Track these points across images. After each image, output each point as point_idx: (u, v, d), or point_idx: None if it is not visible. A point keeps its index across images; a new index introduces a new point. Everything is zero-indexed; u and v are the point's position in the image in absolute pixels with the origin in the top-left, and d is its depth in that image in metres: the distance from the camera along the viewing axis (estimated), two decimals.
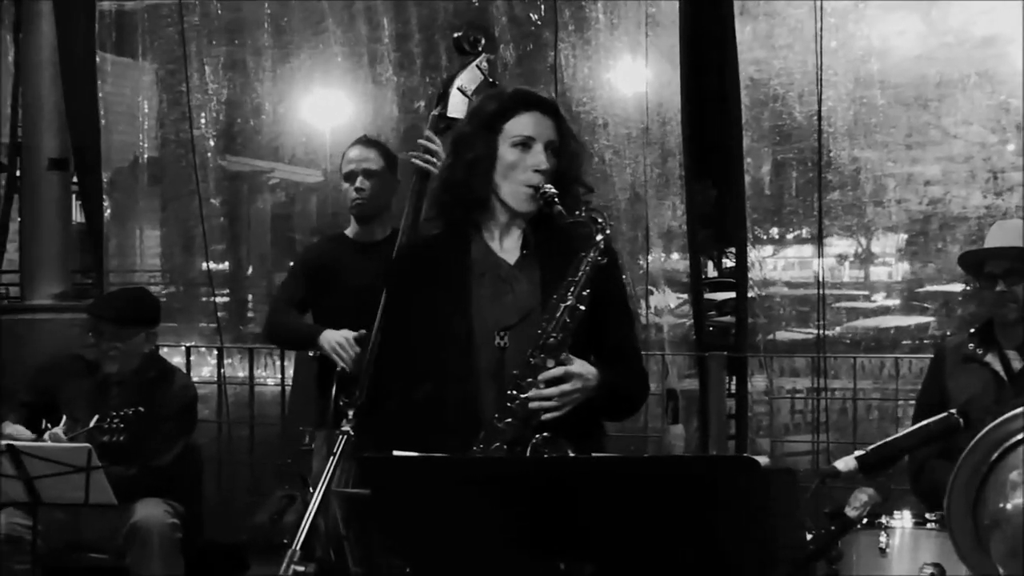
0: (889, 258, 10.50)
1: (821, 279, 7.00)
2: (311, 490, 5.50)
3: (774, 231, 9.01)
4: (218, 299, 9.21)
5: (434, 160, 5.12)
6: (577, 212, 3.57)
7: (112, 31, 8.41)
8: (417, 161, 5.12)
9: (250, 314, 11.15)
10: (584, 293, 3.50)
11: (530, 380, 3.47)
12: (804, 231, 9.11)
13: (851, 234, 9.00)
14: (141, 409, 5.67)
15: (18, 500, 5.37)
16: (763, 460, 2.29)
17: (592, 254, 3.53)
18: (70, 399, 5.94)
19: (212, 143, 8.39)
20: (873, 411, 7.59)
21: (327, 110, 8.47)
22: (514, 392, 3.47)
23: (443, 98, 5.23)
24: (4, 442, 5.30)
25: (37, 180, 7.73)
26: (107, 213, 8.03)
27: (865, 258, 10.59)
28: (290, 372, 7.59)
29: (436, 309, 3.68)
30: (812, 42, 6.81)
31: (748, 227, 7.15)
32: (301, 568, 3.27)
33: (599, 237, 3.53)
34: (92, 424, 5.63)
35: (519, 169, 3.66)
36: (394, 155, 5.67)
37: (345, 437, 3.55)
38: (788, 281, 9.38)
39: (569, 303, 3.49)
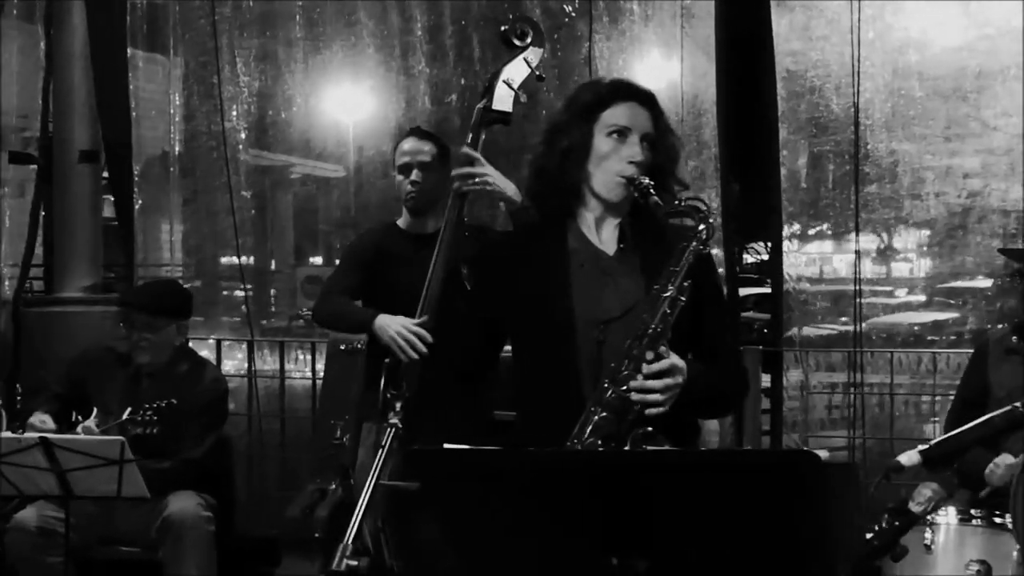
0: (911, 254, 10.45)
1: (858, 273, 6.91)
2: (352, 482, 5.48)
3: (796, 226, 8.95)
4: (242, 293, 9.20)
5: (481, 177, 5.05)
6: (676, 201, 3.52)
7: (143, 23, 8.38)
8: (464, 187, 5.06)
9: (273, 308, 11.15)
10: (685, 284, 3.43)
11: (626, 372, 3.39)
12: (825, 226, 9.05)
13: (874, 230, 8.91)
14: (174, 401, 5.66)
15: (51, 493, 5.35)
16: (823, 454, 2.24)
17: (694, 243, 3.46)
18: (101, 392, 5.93)
19: (244, 135, 8.36)
20: (910, 407, 7.53)
21: (358, 103, 8.43)
22: (611, 384, 3.41)
23: (489, 91, 5.16)
24: (37, 435, 5.28)
25: (68, 173, 7.70)
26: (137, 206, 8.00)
27: (889, 254, 10.52)
28: (320, 366, 7.59)
29: (536, 297, 3.63)
30: (849, 33, 6.72)
31: (784, 220, 7.07)
32: (355, 562, 3.21)
33: (701, 227, 3.47)
34: (125, 417, 5.62)
35: (613, 159, 3.60)
36: (447, 146, 5.61)
37: (393, 430, 3.51)
38: (809, 277, 9.33)
39: (670, 294, 3.41)
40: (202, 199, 9.03)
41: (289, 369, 7.99)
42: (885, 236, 10.52)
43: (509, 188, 4.94)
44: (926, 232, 8.87)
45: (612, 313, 3.56)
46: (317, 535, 6.02)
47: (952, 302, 9.54)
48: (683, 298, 3.42)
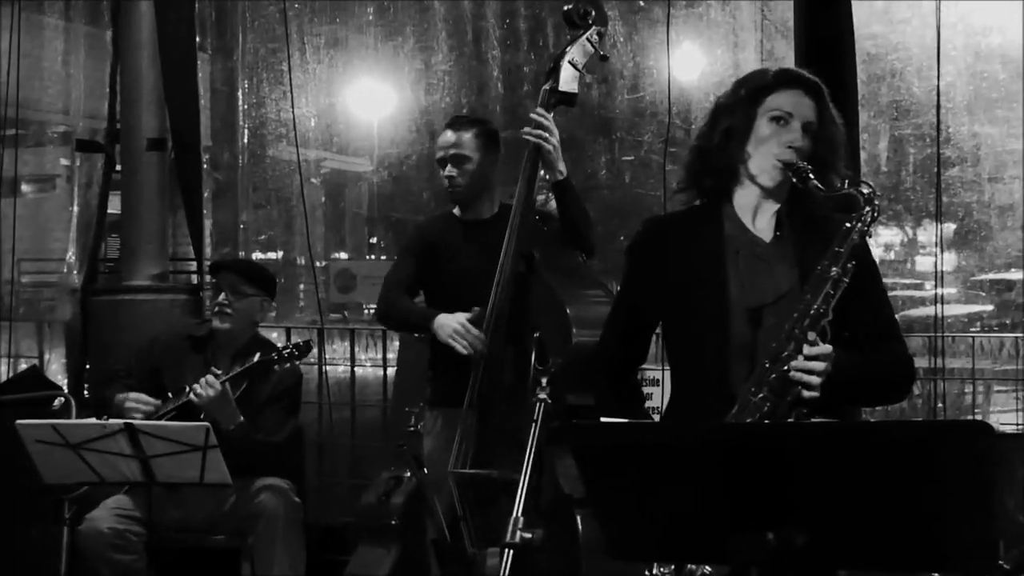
0: (935, 247, 10.30)
1: (940, 263, 6.84)
2: (425, 471, 5.47)
3: None
4: None
5: (546, 135, 5.06)
6: (839, 184, 3.51)
7: (212, 11, 8.35)
8: (530, 137, 5.07)
9: (301, 303, 11.12)
10: (849, 265, 3.42)
11: (787, 354, 3.39)
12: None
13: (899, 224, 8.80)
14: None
15: (133, 479, 5.33)
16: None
17: (859, 224, 3.44)
18: (177, 378, 5.91)
19: (313, 123, 8.33)
20: (991, 392, 7.45)
21: (428, 89, 8.35)
22: (772, 365, 3.41)
23: (554, 72, 5.18)
24: (122, 420, 5.27)
25: (136, 161, 7.69)
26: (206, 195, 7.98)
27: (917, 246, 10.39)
28: (391, 355, 7.56)
29: (691, 282, 3.64)
30: (931, 16, 6.66)
31: None
32: (529, 534, 3.23)
33: (867, 208, 3.45)
34: (256, 359, 5.63)
35: (772, 143, 3.62)
36: (490, 130, 5.58)
37: (542, 405, 3.54)
38: None
39: (834, 275, 3.41)
40: (231, 192, 8.97)
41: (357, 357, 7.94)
42: (910, 230, 10.44)
43: (560, 162, 5.02)
44: (952, 226, 8.76)
45: (766, 299, 3.57)
46: (393, 522, 6.01)
47: (983, 294, 9.47)
48: (847, 279, 3.41)
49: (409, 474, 5.93)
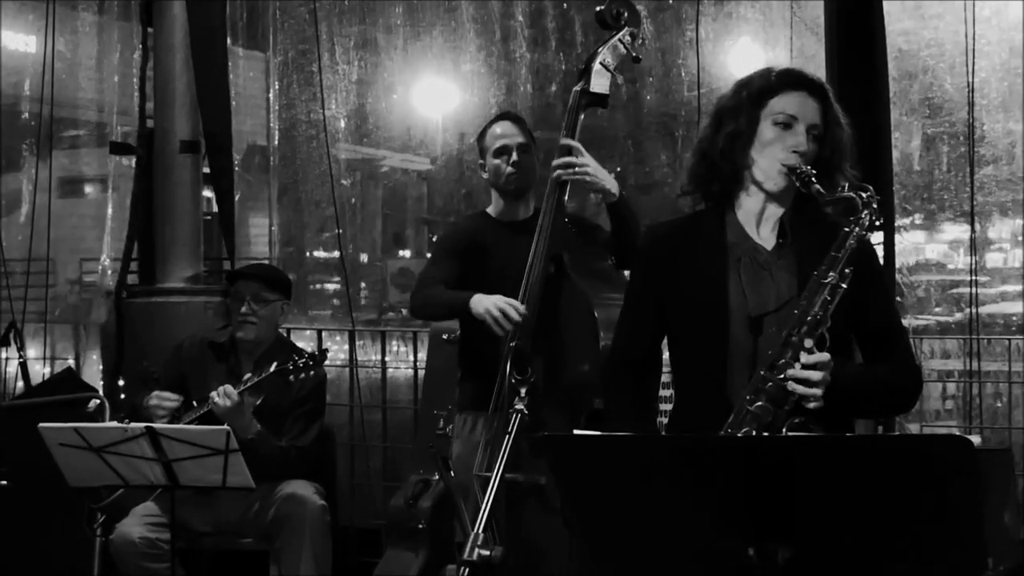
0: (1005, 243, 10.19)
1: (974, 262, 6.73)
2: (452, 473, 5.43)
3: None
4: (328, 286, 9.17)
5: (576, 164, 4.99)
6: (839, 188, 3.43)
7: (243, 12, 8.35)
8: (564, 176, 5.00)
9: (363, 302, 11.10)
10: (847, 271, 3.36)
11: (783, 362, 3.34)
12: (917, 217, 8.84)
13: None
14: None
15: (156, 483, 5.33)
16: (976, 440, 2.13)
17: (856, 229, 3.38)
18: (202, 386, 5.92)
19: (343, 124, 8.31)
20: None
21: (458, 90, 8.29)
22: (768, 373, 3.35)
23: (586, 73, 5.13)
24: (143, 424, 5.27)
25: (170, 163, 7.70)
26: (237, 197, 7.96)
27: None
28: (421, 355, 7.52)
29: (692, 289, 3.60)
30: (963, 11, 6.55)
31: (896, 204, 6.86)
32: (487, 552, 3.19)
33: (864, 212, 3.38)
34: (272, 368, 5.63)
35: (776, 147, 3.56)
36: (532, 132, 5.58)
37: (518, 416, 3.48)
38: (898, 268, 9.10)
39: (831, 280, 3.35)
40: (292, 192, 8.97)
41: (389, 360, 7.89)
42: (979, 226, 10.29)
43: (608, 181, 4.95)
44: (1019, 222, 8.63)
45: (768, 307, 3.52)
46: (421, 525, 5.98)
47: None
48: (844, 285, 3.35)
49: (437, 477, 5.90)
